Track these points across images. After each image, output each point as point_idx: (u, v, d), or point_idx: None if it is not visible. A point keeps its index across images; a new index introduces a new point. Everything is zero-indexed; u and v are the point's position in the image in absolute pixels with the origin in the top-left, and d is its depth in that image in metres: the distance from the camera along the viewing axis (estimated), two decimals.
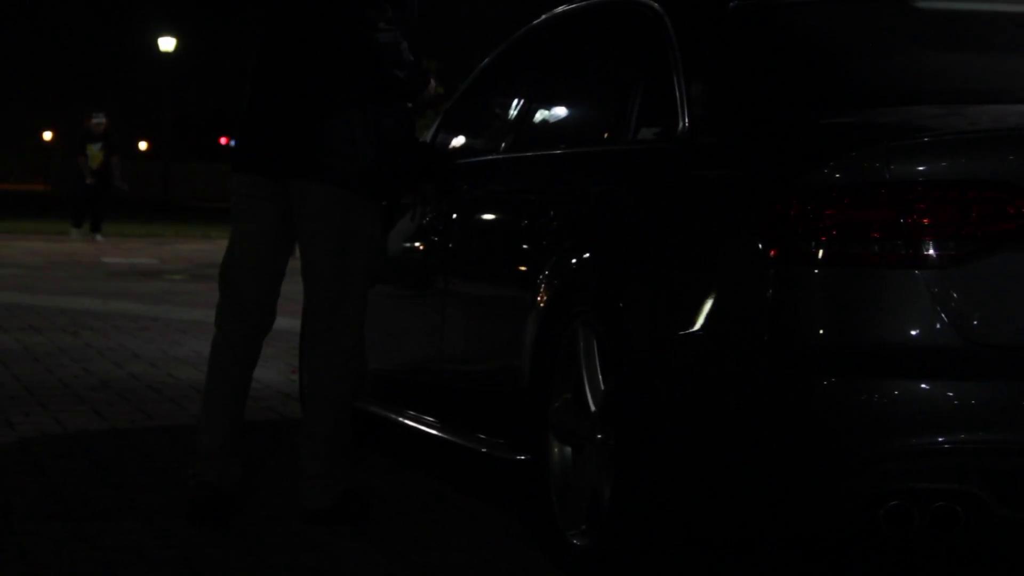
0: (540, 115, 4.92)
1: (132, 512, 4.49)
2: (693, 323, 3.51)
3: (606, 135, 4.42)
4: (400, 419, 5.18)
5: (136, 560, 3.94)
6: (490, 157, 5.00)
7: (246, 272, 4.48)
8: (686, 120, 3.91)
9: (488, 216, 4.83)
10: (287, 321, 10.12)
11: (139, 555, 3.99)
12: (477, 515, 4.61)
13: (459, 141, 5.40)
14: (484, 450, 4.52)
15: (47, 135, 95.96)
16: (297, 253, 4.54)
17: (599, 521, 3.84)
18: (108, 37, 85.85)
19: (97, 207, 22.26)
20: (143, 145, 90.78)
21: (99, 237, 21.73)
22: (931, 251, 3.28)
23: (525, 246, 4.40)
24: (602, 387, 3.92)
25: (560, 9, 5.06)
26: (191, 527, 4.31)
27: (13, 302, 11.39)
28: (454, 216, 4.95)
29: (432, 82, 4.73)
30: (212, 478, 4.44)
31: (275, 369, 7.82)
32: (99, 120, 22.11)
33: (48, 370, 7.52)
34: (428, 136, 5.54)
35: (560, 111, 4.93)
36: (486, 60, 5.46)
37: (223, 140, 74.60)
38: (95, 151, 22.05)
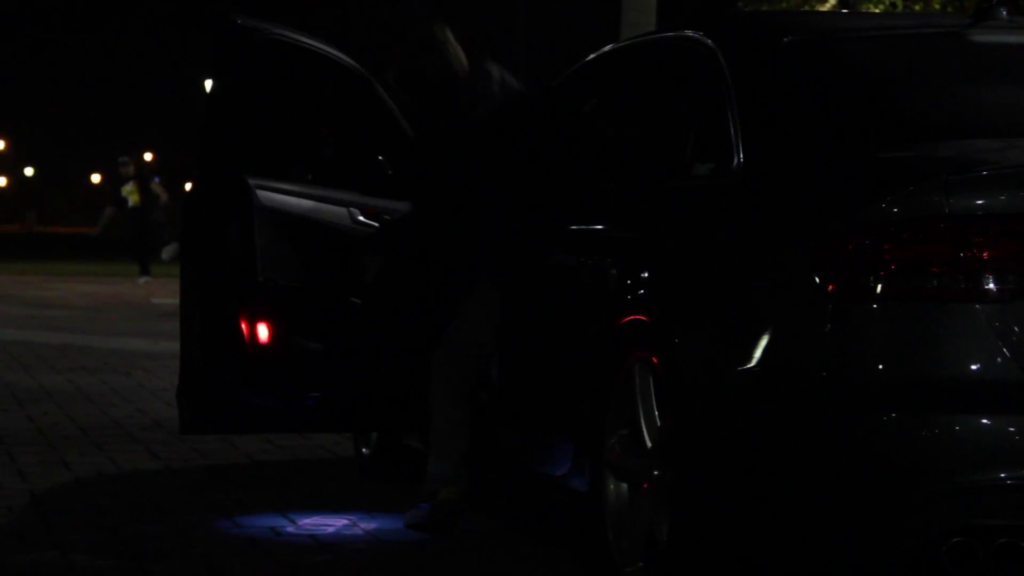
0: (593, 152, 4.93)
1: (189, 550, 4.51)
2: (750, 359, 3.50)
3: (660, 171, 4.42)
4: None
5: None
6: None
7: None
8: (741, 156, 3.90)
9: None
10: None
11: None
12: (528, 553, 4.60)
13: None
14: (541, 487, 4.51)
15: (95, 178, 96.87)
16: None
17: (656, 559, 3.82)
18: (156, 79, 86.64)
19: (139, 248, 22.30)
20: (190, 187, 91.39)
21: (142, 280, 21.76)
22: (991, 285, 3.26)
23: (580, 282, 4.40)
24: (658, 424, 3.91)
25: (612, 46, 5.08)
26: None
27: (65, 343, 11.47)
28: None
29: None
30: (452, 495, 4.77)
31: None
32: (124, 161, 22.23)
33: (102, 411, 7.57)
34: None
35: (614, 148, 4.93)
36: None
37: None
38: (129, 190, 22.12)
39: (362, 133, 5.33)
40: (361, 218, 5.06)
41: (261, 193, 4.89)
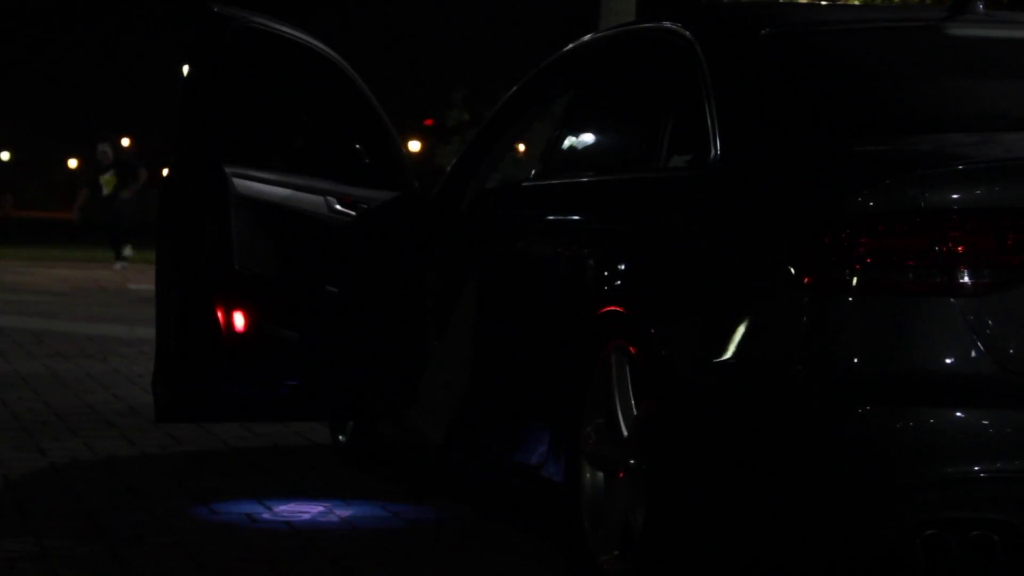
0: (570, 143, 4.94)
1: (165, 536, 4.51)
2: (727, 350, 3.51)
3: (637, 163, 4.43)
4: (430, 445, 5.19)
5: None
6: (520, 184, 5.01)
7: None
8: (718, 148, 3.92)
9: (519, 243, 4.84)
10: None
11: None
12: (507, 541, 4.61)
13: (488, 169, 5.42)
14: (517, 476, 4.52)
15: (72, 163, 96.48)
16: None
17: (632, 547, 3.84)
18: (136, 65, 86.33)
19: (115, 234, 22.21)
20: (167, 174, 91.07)
21: (118, 265, 21.68)
22: (966, 279, 3.28)
23: (556, 272, 4.41)
24: (635, 413, 3.92)
25: (589, 36, 5.09)
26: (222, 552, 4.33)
27: (41, 328, 11.44)
28: (484, 243, 4.96)
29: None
30: None
31: None
32: (103, 150, 22.13)
33: (77, 396, 7.56)
34: (452, 163, 5.56)
35: (591, 138, 4.94)
36: (515, 87, 5.48)
37: None
38: (107, 178, 22.01)
39: (339, 121, 5.34)
40: (338, 207, 5.07)
41: (238, 181, 4.89)
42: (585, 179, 4.66)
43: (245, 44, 5.04)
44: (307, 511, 4.94)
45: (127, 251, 21.30)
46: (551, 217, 4.66)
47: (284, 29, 5.15)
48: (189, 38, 5.12)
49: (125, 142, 22.57)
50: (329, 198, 5.07)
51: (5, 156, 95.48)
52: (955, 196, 3.31)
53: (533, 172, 4.97)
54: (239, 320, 4.88)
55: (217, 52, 4.98)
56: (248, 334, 4.88)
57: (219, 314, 4.86)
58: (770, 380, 3.42)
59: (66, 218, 26.24)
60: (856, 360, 3.29)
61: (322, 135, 5.43)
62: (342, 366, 5.02)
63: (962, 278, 3.28)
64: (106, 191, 21.93)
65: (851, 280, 3.31)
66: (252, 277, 4.89)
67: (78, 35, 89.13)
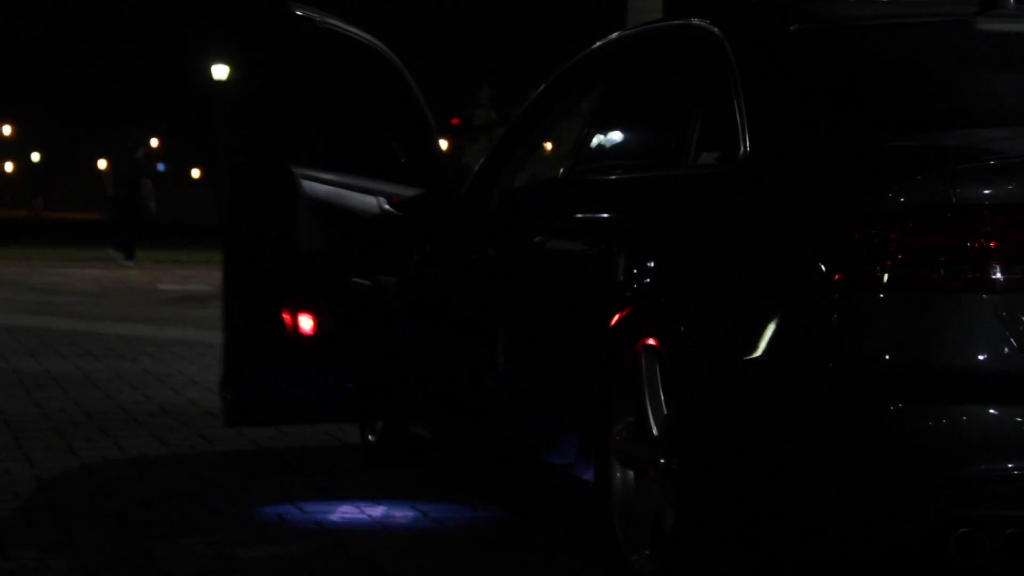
0: (598, 141, 4.93)
1: (197, 535, 4.52)
2: (757, 348, 3.50)
3: (666, 160, 4.42)
4: (458, 444, 5.19)
5: None
6: (548, 183, 5.00)
7: None
8: (748, 144, 3.90)
9: (547, 241, 4.83)
10: None
11: None
12: (538, 541, 4.61)
13: (515, 167, 5.41)
14: (546, 475, 4.52)
15: (101, 163, 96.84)
16: None
17: (662, 546, 3.83)
18: (162, 65, 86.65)
19: (127, 231, 22.33)
20: (196, 173, 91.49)
21: (127, 263, 21.78)
22: (998, 274, 3.26)
23: (585, 270, 4.40)
24: (664, 411, 3.91)
25: (617, 34, 5.07)
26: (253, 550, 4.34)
27: (71, 329, 11.49)
28: (512, 241, 4.96)
29: None
30: None
31: None
32: (140, 142, 22.27)
33: (107, 396, 7.58)
34: (484, 161, 5.56)
35: (619, 136, 4.93)
36: (542, 86, 5.47)
37: None
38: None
39: (383, 119, 5.34)
40: (387, 207, 5.09)
41: (305, 183, 4.91)
42: (613, 177, 4.64)
43: (316, 44, 5.06)
44: (337, 511, 4.95)
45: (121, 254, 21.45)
46: (579, 215, 4.65)
47: (349, 29, 5.17)
48: (254, 35, 5.12)
49: (154, 142, 22.63)
50: (380, 198, 5.09)
51: (36, 157, 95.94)
52: (987, 191, 3.29)
53: (561, 170, 4.96)
54: (305, 323, 4.90)
55: (293, 52, 5.00)
56: (313, 335, 4.90)
57: (285, 316, 4.87)
58: (800, 378, 3.40)
59: (98, 218, 26.37)
60: (887, 357, 3.27)
61: (363, 132, 5.43)
62: (396, 366, 5.04)
63: (994, 274, 3.26)
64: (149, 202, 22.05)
65: (882, 276, 3.29)
66: (318, 279, 4.91)
67: (110, 34, 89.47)
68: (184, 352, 9.91)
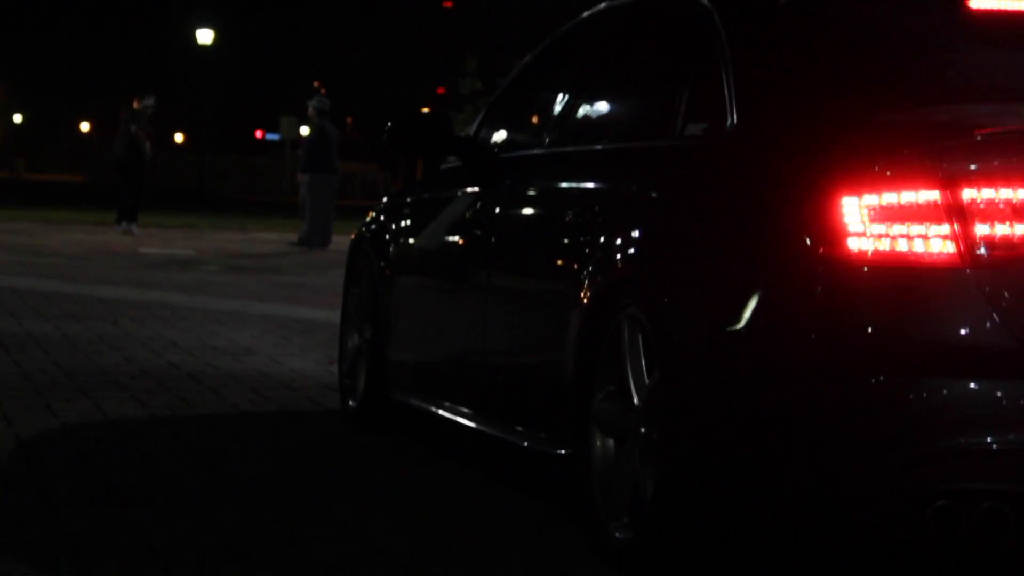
0: (585, 110, 4.92)
1: (176, 498, 4.52)
2: (740, 319, 3.50)
3: (653, 131, 4.41)
4: (440, 411, 5.19)
5: (179, 546, 3.96)
6: (534, 152, 5.00)
7: None
8: (734, 116, 3.90)
9: (532, 211, 4.83)
10: (324, 313, 10.18)
11: (182, 541, 4.01)
12: (517, 507, 4.62)
13: (502, 136, 5.40)
14: (525, 444, 4.52)
15: (84, 126, 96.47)
16: None
17: (641, 514, 3.84)
18: (146, 29, 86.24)
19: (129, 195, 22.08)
20: (180, 138, 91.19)
21: (133, 228, 21.62)
22: (982, 250, 3.27)
23: (569, 240, 4.39)
24: (646, 381, 3.91)
25: (605, 4, 5.06)
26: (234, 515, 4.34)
27: (53, 290, 11.46)
28: (497, 210, 4.95)
29: None
30: None
31: (312, 360, 7.84)
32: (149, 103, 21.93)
33: (88, 358, 7.57)
34: (471, 130, 5.55)
35: (605, 106, 4.92)
36: (529, 56, 5.45)
37: (259, 134, 74.83)
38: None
39: None
40: None
41: None
42: (599, 147, 4.64)
43: None
44: (316, 475, 4.95)
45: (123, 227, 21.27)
46: (565, 184, 4.64)
47: None
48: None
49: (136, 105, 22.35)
50: None
51: (17, 119, 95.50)
52: (972, 167, 3.30)
53: (547, 140, 4.95)
54: None
55: None
56: None
57: None
58: (783, 350, 3.40)
59: (77, 181, 26.21)
60: (870, 330, 3.28)
61: None
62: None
63: (978, 249, 3.27)
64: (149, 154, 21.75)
65: (867, 250, 3.30)
66: None
67: None
68: (165, 315, 9.90)
